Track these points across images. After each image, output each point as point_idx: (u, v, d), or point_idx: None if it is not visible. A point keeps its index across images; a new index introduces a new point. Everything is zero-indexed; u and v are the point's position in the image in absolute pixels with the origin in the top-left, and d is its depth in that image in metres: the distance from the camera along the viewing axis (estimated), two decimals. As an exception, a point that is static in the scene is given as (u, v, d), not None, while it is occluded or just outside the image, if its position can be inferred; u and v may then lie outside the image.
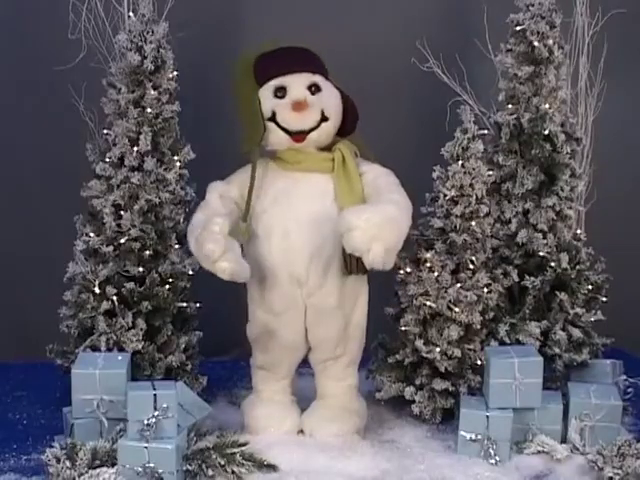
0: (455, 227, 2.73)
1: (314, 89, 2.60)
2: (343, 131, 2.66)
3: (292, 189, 2.58)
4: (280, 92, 2.59)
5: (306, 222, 2.54)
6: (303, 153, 2.61)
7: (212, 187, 2.64)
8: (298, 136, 2.58)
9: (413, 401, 2.76)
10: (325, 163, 2.61)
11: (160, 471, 2.29)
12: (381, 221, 2.40)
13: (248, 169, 2.62)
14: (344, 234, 2.40)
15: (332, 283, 2.57)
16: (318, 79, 2.62)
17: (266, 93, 2.60)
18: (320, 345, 2.65)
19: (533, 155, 2.87)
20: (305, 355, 2.69)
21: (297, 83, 2.60)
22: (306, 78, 2.61)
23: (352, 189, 2.57)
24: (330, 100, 2.62)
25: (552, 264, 2.87)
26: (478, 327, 2.76)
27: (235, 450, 2.40)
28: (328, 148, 2.64)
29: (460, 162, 2.70)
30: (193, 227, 2.56)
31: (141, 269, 2.73)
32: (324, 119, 2.59)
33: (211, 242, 2.41)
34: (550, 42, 2.84)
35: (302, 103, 2.57)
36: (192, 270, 2.80)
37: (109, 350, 2.67)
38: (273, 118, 2.58)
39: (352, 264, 2.52)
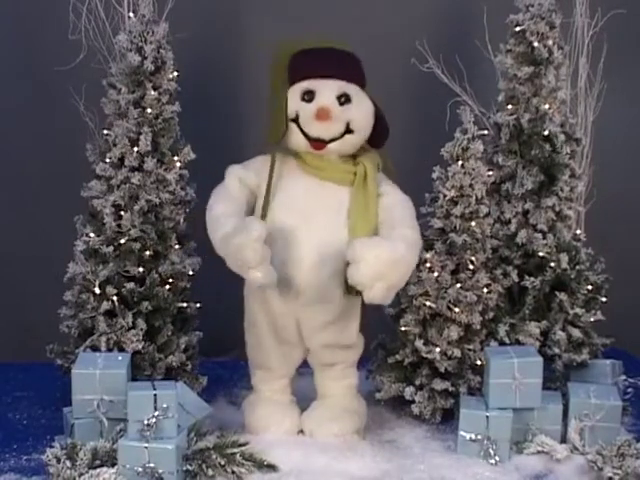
0: (455, 227, 2.73)
1: (344, 99, 2.53)
2: (371, 144, 2.61)
3: (308, 197, 2.54)
4: (308, 95, 2.53)
5: (315, 235, 2.49)
6: (325, 161, 2.56)
7: (231, 171, 2.61)
8: (317, 143, 2.52)
9: (413, 401, 2.76)
10: (346, 175, 2.56)
11: (160, 471, 2.29)
12: (389, 260, 2.37)
13: (266, 160, 2.58)
14: (351, 264, 2.38)
15: (330, 299, 2.54)
16: (351, 89, 2.54)
17: (294, 94, 2.55)
18: (317, 352, 2.66)
19: (533, 155, 2.87)
20: (304, 354, 2.70)
21: (327, 90, 2.53)
22: (338, 86, 2.54)
23: (367, 209, 2.53)
24: (359, 113, 2.55)
25: (552, 264, 2.87)
26: (478, 327, 2.76)
27: (235, 450, 2.40)
28: (353, 156, 2.59)
29: (460, 162, 2.70)
30: (215, 217, 2.51)
31: (141, 269, 2.73)
32: (349, 131, 2.53)
33: (250, 250, 2.36)
34: (550, 42, 2.85)
35: (327, 112, 2.49)
36: (192, 270, 2.81)
37: (109, 350, 2.67)
38: (296, 120, 2.54)
39: (352, 288, 2.46)
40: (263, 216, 2.54)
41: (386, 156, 2.65)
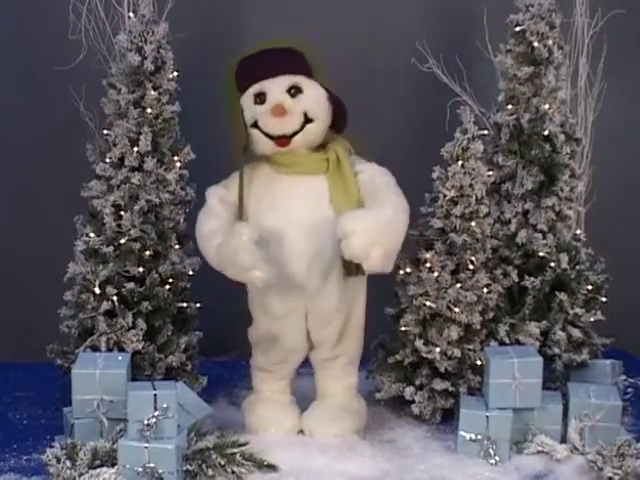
0: (455, 227, 2.73)
1: (294, 91, 2.57)
2: (334, 130, 2.64)
3: (288, 193, 2.57)
4: (260, 98, 2.58)
5: (304, 227, 2.52)
6: (296, 155, 2.59)
7: (212, 192, 2.64)
8: (281, 140, 2.56)
9: (413, 401, 2.76)
10: (320, 164, 2.59)
11: (160, 471, 2.30)
12: (378, 226, 2.40)
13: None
14: (342, 241, 2.40)
15: (332, 286, 2.57)
16: (299, 80, 2.58)
17: (247, 100, 2.60)
18: (321, 345, 2.66)
19: (533, 155, 2.87)
20: (305, 355, 2.71)
21: (275, 87, 2.57)
22: (285, 81, 2.57)
23: (347, 190, 2.56)
24: (314, 101, 2.58)
25: (552, 264, 2.87)
26: (478, 327, 2.76)
27: (235, 450, 2.40)
28: (322, 146, 2.62)
29: (460, 162, 2.70)
30: (205, 235, 2.57)
31: (141, 269, 2.73)
32: (308, 121, 2.56)
33: (245, 252, 2.40)
34: (550, 42, 2.85)
35: (281, 108, 2.53)
36: (192, 270, 2.81)
37: (109, 350, 2.67)
38: (256, 125, 2.57)
39: (352, 267, 2.51)
40: None
41: (354, 138, 2.65)
